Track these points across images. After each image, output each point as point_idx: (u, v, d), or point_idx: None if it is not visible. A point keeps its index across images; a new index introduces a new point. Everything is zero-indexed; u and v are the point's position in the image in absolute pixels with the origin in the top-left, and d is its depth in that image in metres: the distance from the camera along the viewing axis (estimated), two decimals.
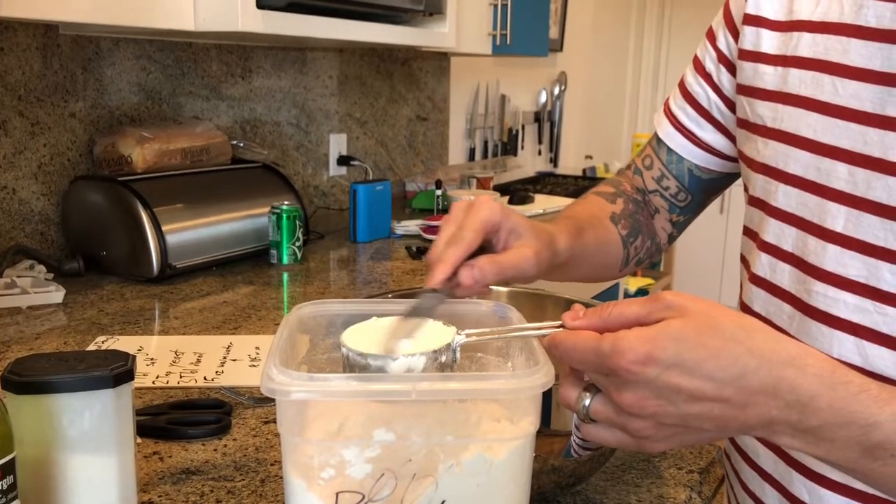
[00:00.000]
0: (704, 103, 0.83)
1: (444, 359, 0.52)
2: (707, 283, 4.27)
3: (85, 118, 1.61)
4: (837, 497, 0.66)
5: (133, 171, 1.55)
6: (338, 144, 2.28)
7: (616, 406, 0.49)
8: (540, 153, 3.51)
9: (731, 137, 0.81)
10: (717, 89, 0.81)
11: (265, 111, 2.04)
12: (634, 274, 3.38)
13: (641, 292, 3.26)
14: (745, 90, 0.74)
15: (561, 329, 0.52)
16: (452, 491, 0.48)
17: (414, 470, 0.47)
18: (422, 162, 2.67)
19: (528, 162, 3.38)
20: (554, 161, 3.57)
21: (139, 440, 0.83)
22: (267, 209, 1.66)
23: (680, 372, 0.47)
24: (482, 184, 2.65)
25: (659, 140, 0.89)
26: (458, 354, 0.53)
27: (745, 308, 0.76)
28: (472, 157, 2.95)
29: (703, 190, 0.88)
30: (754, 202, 0.74)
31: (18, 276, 1.37)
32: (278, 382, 0.45)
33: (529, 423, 0.50)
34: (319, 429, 0.50)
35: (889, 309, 0.61)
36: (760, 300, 0.72)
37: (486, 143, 3.03)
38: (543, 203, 2.46)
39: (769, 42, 0.71)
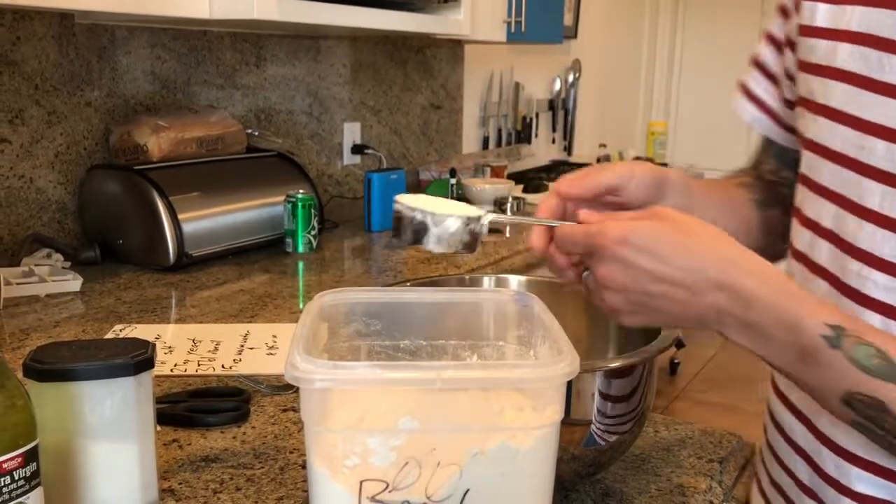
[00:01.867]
0: (785, 87, 0.81)
1: (474, 227, 0.63)
2: None
3: (101, 107, 1.61)
4: (862, 473, 0.66)
5: (149, 160, 1.55)
6: (352, 133, 2.28)
7: (595, 278, 0.59)
8: (554, 141, 3.49)
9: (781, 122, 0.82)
10: (784, 67, 0.80)
11: (279, 100, 2.04)
12: None
13: None
14: (802, 66, 0.74)
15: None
16: (477, 479, 0.48)
17: (438, 458, 0.47)
18: (435, 150, 2.67)
19: (542, 150, 3.36)
20: (568, 149, 3.55)
21: (158, 428, 0.83)
22: (282, 198, 1.66)
23: (649, 257, 0.56)
24: (496, 172, 2.64)
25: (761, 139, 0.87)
26: (485, 230, 0.63)
27: None
28: (485, 145, 2.94)
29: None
30: (800, 178, 0.74)
31: (36, 265, 1.38)
32: (302, 371, 0.45)
33: (554, 411, 0.49)
34: (342, 417, 0.50)
35: None
36: (799, 275, 0.73)
37: (499, 131, 3.02)
38: None
39: (822, 15, 0.70)
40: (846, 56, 0.66)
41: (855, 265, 0.65)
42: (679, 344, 3.40)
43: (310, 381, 0.45)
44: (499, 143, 3.02)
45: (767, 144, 0.87)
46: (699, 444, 0.87)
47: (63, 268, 1.40)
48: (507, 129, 3.05)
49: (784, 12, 0.80)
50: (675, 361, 3.52)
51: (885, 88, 0.62)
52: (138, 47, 1.67)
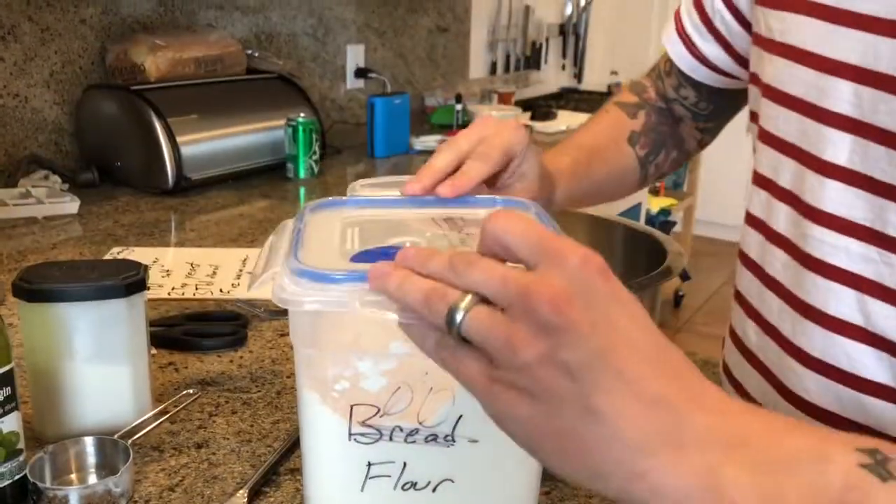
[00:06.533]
0: (709, 10, 0.73)
1: None
2: (731, 203, 4.19)
3: (96, 25, 1.56)
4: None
5: (146, 80, 1.51)
6: (355, 56, 2.22)
7: (520, 293, 0.35)
8: (564, 68, 3.41)
9: (733, 54, 0.73)
10: None
11: (280, 20, 1.97)
12: (657, 193, 3.32)
13: (664, 212, 3.20)
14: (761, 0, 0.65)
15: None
16: (470, 405, 0.46)
17: (430, 384, 0.45)
18: (441, 76, 2.60)
19: (552, 77, 3.29)
20: (578, 76, 3.47)
21: (154, 351, 0.83)
22: (283, 122, 1.62)
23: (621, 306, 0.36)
24: (503, 99, 2.58)
25: None
26: None
27: (741, 255, 0.68)
28: (493, 70, 2.87)
29: (722, 100, 0.80)
30: (760, 133, 0.64)
31: (33, 187, 1.36)
32: (291, 293, 0.43)
33: None
34: (333, 340, 0.48)
35: (895, 258, 0.52)
36: (757, 245, 0.64)
37: (508, 56, 2.94)
38: (567, 119, 2.40)
39: None
40: None
41: (818, 231, 0.56)
42: (684, 276, 3.39)
43: (298, 303, 0.43)
44: (507, 69, 2.95)
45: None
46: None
47: (61, 190, 1.38)
48: (515, 55, 2.98)
49: None
50: (680, 294, 3.51)
51: (849, 18, 0.53)
52: None
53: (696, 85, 0.79)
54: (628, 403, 0.34)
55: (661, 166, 0.83)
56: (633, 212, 2.47)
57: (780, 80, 0.60)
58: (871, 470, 0.34)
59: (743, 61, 0.72)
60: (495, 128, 0.62)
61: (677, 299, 3.53)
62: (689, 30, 0.77)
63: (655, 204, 3.21)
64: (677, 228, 3.55)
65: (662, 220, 3.18)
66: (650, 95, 0.84)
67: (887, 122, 0.51)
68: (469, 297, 0.36)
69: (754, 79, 0.67)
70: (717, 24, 0.73)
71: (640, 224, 0.88)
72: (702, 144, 0.87)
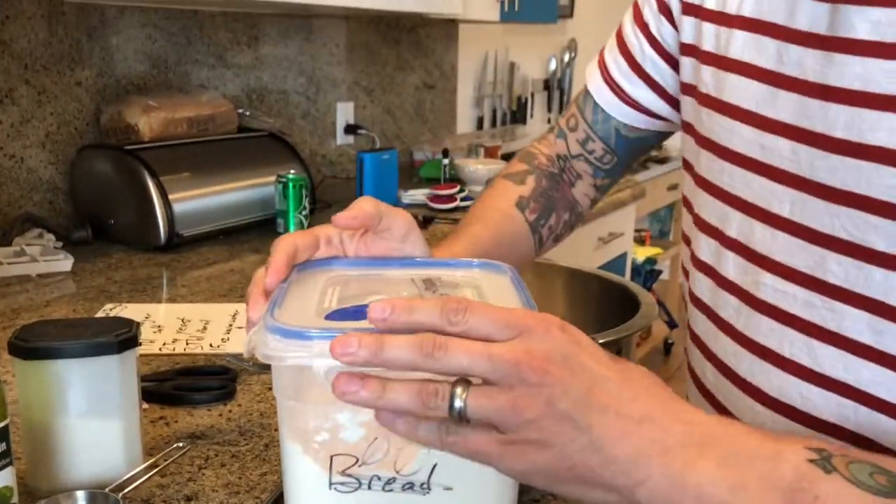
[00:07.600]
0: (638, 57, 0.75)
1: None
2: None
3: (91, 87, 1.61)
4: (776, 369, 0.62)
5: (139, 140, 1.56)
6: (345, 113, 2.28)
7: (511, 365, 0.41)
8: (549, 122, 3.49)
9: (666, 97, 0.75)
10: (654, 42, 0.74)
11: (272, 80, 2.03)
12: (642, 242, 3.37)
13: (650, 261, 3.25)
14: (687, 49, 0.67)
15: None
16: (444, 454, 0.49)
17: None
18: (429, 130, 2.67)
19: (538, 130, 3.36)
20: None
21: (145, 405, 0.85)
22: (273, 178, 1.66)
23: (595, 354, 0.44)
24: (490, 152, 2.64)
25: (587, 95, 0.82)
26: None
27: (693, 298, 0.71)
28: (480, 125, 2.94)
29: (630, 151, 0.83)
30: (697, 180, 0.67)
31: (28, 245, 1.39)
32: (273, 348, 0.46)
33: None
34: (314, 393, 0.51)
35: (836, 304, 0.55)
36: (708, 290, 0.67)
37: (494, 111, 3.01)
38: None
39: None
40: (740, 45, 0.60)
41: (769, 278, 0.59)
42: (672, 324, 3.42)
43: (281, 358, 0.46)
44: (493, 124, 3.02)
45: (592, 110, 0.81)
46: None
47: (55, 247, 1.41)
48: (501, 110, 3.05)
49: None
50: (669, 342, 3.54)
51: (783, 81, 0.56)
52: (129, 27, 1.67)
53: (606, 136, 0.81)
54: (620, 427, 0.42)
55: (555, 229, 0.84)
56: (619, 262, 2.51)
57: (721, 137, 0.62)
58: (818, 464, 0.41)
59: (675, 103, 0.74)
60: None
61: (667, 347, 3.55)
62: (617, 76, 0.78)
63: (641, 253, 3.25)
64: (664, 276, 3.59)
65: (649, 269, 3.22)
66: (541, 162, 0.85)
67: (824, 177, 0.54)
68: (461, 386, 0.42)
69: (688, 128, 0.69)
70: (649, 69, 0.75)
71: (615, 276, 0.92)
72: (593, 202, 0.88)
